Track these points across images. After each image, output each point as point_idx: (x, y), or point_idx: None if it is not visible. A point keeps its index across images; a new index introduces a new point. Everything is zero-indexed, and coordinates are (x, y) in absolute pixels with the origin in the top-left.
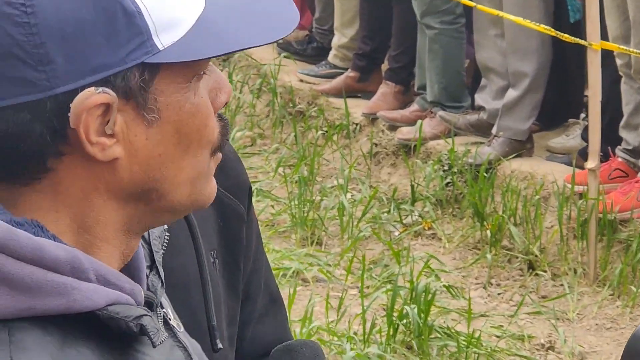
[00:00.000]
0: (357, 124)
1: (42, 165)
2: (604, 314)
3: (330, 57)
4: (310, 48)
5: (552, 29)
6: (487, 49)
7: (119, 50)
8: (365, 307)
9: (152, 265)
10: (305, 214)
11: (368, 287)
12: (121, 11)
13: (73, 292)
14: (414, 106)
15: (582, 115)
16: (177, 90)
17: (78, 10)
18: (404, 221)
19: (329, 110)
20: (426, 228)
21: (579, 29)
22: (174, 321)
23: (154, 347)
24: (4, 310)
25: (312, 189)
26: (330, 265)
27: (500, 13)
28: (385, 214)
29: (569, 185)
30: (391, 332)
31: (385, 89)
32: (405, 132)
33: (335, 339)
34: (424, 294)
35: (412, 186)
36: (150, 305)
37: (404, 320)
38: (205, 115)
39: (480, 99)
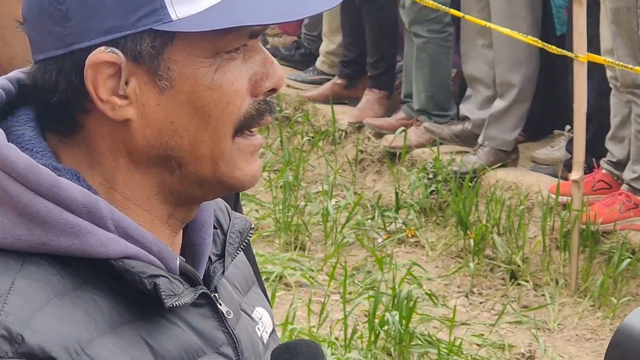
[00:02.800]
0: (343, 131)
1: (73, 120)
2: (585, 324)
3: (318, 63)
4: (298, 54)
5: (540, 41)
6: (474, 59)
7: (130, 15)
8: (347, 313)
9: (222, 255)
10: (290, 219)
11: (350, 293)
12: None
13: (87, 235)
14: (400, 114)
15: (568, 127)
16: (195, 62)
17: None
18: (388, 228)
19: (315, 116)
20: (410, 236)
21: (565, 41)
22: (225, 307)
23: (164, 308)
24: (20, 241)
25: (296, 194)
26: (313, 270)
27: (488, 24)
28: (369, 221)
29: (553, 196)
30: (372, 338)
31: (370, 96)
32: (391, 140)
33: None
34: (405, 301)
35: (397, 193)
36: (192, 281)
37: (385, 327)
38: (229, 93)
39: (465, 109)
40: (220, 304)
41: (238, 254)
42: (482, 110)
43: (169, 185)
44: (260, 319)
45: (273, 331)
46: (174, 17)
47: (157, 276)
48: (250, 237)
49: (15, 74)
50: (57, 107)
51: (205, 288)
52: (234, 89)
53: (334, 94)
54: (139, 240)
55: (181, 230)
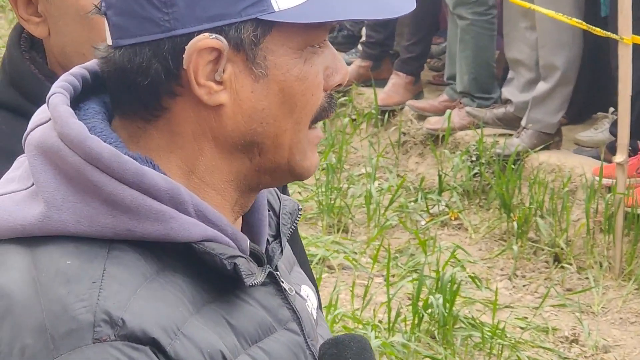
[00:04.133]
0: (386, 112)
1: (158, 103)
2: (629, 308)
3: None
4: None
5: (584, 23)
6: (516, 42)
7: (236, 3)
8: (390, 296)
9: (277, 235)
10: (332, 202)
11: (393, 276)
12: None
13: (170, 220)
14: (443, 96)
15: (611, 109)
16: (288, 53)
17: None
18: (431, 211)
19: (357, 98)
20: (453, 218)
21: (608, 23)
22: (287, 285)
23: (246, 285)
24: (106, 229)
25: (339, 177)
26: (356, 253)
27: (532, 6)
28: (412, 203)
29: (597, 179)
30: (416, 322)
31: (397, 80)
32: (434, 122)
33: (360, 326)
34: (449, 284)
35: (440, 176)
36: (259, 260)
37: (429, 310)
38: (313, 85)
39: (507, 92)
40: (282, 282)
41: (291, 233)
42: (524, 93)
43: (245, 171)
44: (307, 297)
45: (319, 307)
46: (276, 8)
47: (236, 257)
48: (299, 218)
49: (78, 70)
50: (146, 90)
51: (270, 267)
52: (318, 81)
53: (360, 77)
54: (216, 223)
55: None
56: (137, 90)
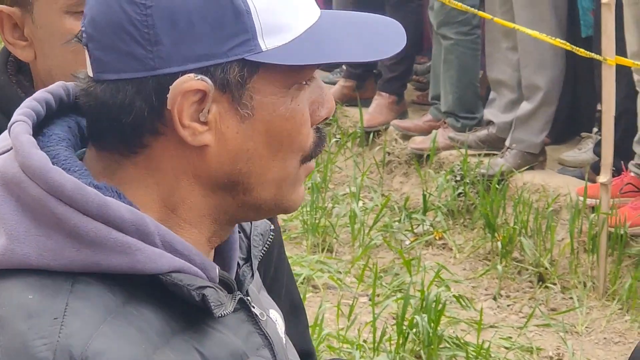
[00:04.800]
0: (370, 133)
1: (139, 140)
2: (613, 327)
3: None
4: None
5: (568, 43)
6: (498, 62)
7: (223, 43)
8: (375, 315)
9: (248, 258)
10: (317, 221)
11: (378, 295)
12: (231, 7)
13: (136, 253)
14: (427, 116)
15: (595, 129)
16: (274, 92)
17: (191, 0)
18: (415, 230)
19: (342, 118)
20: (437, 238)
21: (590, 43)
22: (258, 310)
23: (215, 317)
24: (70, 263)
25: (324, 196)
26: (340, 273)
27: (516, 26)
28: (397, 223)
29: (581, 199)
30: (401, 341)
31: (380, 100)
32: (419, 142)
33: (345, 346)
34: (434, 303)
35: (424, 196)
36: (229, 287)
37: (414, 330)
38: (300, 123)
39: (489, 113)
40: (254, 307)
41: (262, 256)
42: (506, 114)
43: (227, 207)
44: (276, 321)
45: (285, 332)
46: (263, 47)
47: (204, 287)
48: (272, 239)
49: (42, 94)
50: (127, 127)
51: (241, 294)
52: (305, 119)
53: (344, 97)
54: (183, 253)
55: None
56: (118, 127)
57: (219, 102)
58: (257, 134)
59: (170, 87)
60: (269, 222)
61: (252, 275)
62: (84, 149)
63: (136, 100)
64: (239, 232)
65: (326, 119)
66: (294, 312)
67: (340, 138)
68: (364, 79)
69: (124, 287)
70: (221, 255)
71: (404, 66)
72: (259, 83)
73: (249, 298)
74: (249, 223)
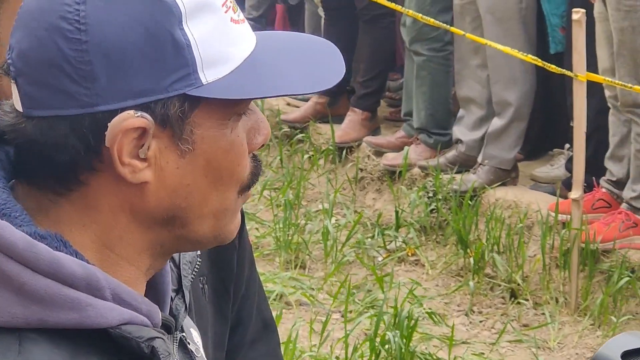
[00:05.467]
0: (343, 149)
1: (75, 178)
2: (585, 343)
3: None
4: None
5: (539, 59)
6: (467, 80)
7: (163, 78)
8: (348, 332)
9: (179, 289)
10: (290, 238)
11: (351, 312)
12: (171, 42)
13: (87, 308)
14: (400, 132)
15: (567, 145)
16: (215, 125)
17: (129, 34)
18: (388, 247)
19: (315, 135)
20: (410, 254)
21: (561, 59)
22: (193, 345)
23: None
24: (15, 319)
25: (297, 213)
26: (313, 289)
27: (489, 42)
28: (369, 239)
29: (553, 215)
30: (373, 358)
31: (353, 116)
32: (391, 158)
33: None
34: (406, 320)
35: (397, 212)
36: (168, 328)
37: (386, 346)
38: (239, 154)
39: (458, 131)
40: (189, 343)
41: (191, 283)
42: (474, 131)
43: (164, 241)
44: (198, 342)
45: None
46: (204, 81)
47: (153, 339)
48: (199, 266)
49: None
50: (61, 165)
51: (183, 335)
52: (243, 150)
53: (317, 113)
54: (131, 303)
55: None
56: (52, 165)
57: (159, 138)
58: (197, 168)
59: (108, 124)
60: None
61: (186, 308)
62: (15, 188)
63: (71, 138)
64: (169, 262)
65: (262, 145)
66: (265, 330)
67: (312, 155)
68: (337, 95)
69: (70, 341)
70: (155, 288)
71: (377, 82)
72: (199, 117)
73: (184, 334)
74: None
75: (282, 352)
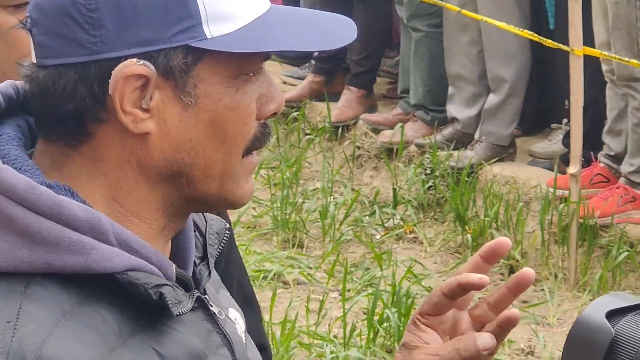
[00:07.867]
0: (340, 127)
1: (83, 128)
2: None
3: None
4: None
5: (536, 35)
6: (457, 56)
7: (166, 29)
8: (346, 311)
9: (204, 257)
10: (287, 217)
11: (349, 291)
12: None
13: (91, 251)
14: (397, 109)
15: (565, 120)
16: (219, 82)
17: None
18: (386, 224)
19: (312, 113)
20: (408, 232)
21: (557, 34)
22: (216, 308)
23: (172, 315)
24: (23, 263)
25: (294, 192)
26: (311, 268)
27: (485, 18)
28: (367, 217)
29: (551, 190)
30: (371, 336)
31: (349, 95)
32: (388, 135)
33: (316, 341)
34: (404, 297)
35: (394, 189)
36: (186, 285)
37: (385, 324)
38: (245, 114)
39: (452, 109)
40: (212, 306)
41: (218, 255)
42: (469, 108)
43: (173, 200)
44: (235, 320)
45: (246, 331)
46: (208, 35)
47: (162, 285)
48: (227, 237)
49: (7, 88)
50: (70, 115)
51: (199, 292)
52: (250, 111)
53: (313, 92)
54: (139, 251)
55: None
56: (62, 114)
57: (161, 89)
58: (201, 123)
59: (112, 72)
60: (224, 221)
61: (209, 274)
62: (34, 149)
63: (78, 86)
64: (195, 231)
65: (275, 114)
66: (247, 305)
67: (309, 133)
68: (333, 73)
69: (79, 287)
70: (177, 254)
71: (372, 60)
72: (203, 71)
73: (206, 296)
74: (204, 222)
75: (278, 331)
